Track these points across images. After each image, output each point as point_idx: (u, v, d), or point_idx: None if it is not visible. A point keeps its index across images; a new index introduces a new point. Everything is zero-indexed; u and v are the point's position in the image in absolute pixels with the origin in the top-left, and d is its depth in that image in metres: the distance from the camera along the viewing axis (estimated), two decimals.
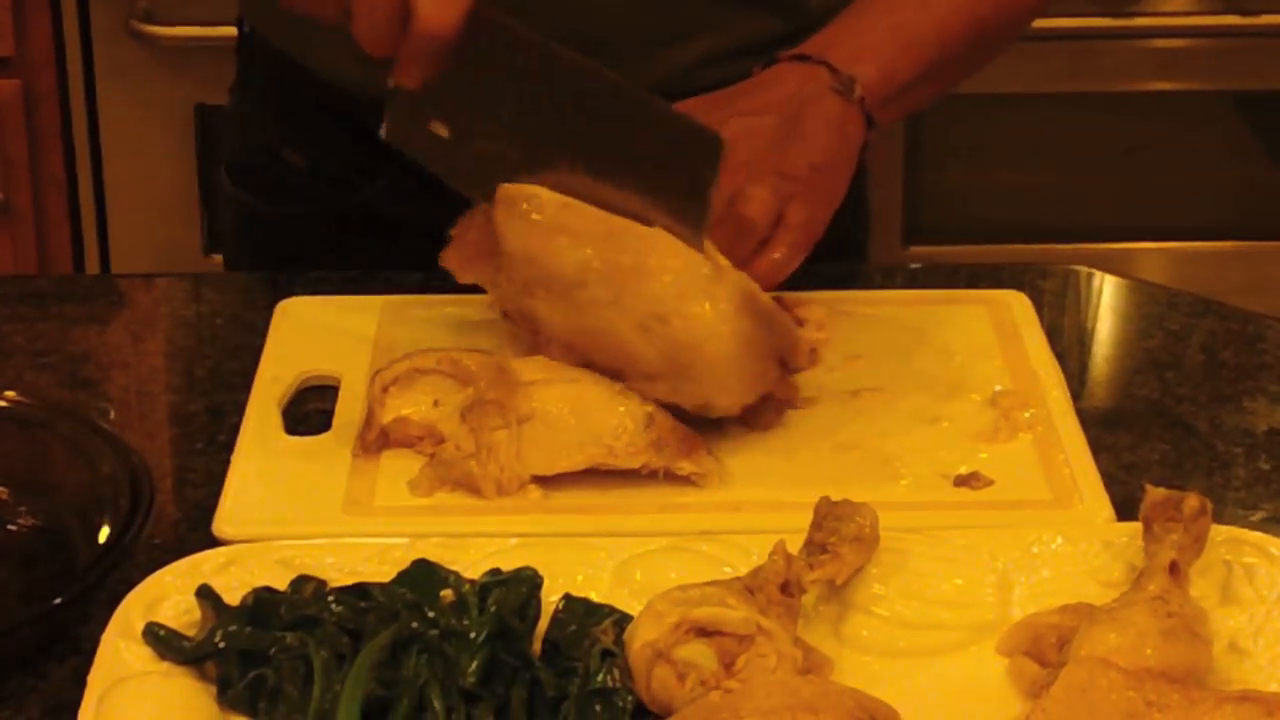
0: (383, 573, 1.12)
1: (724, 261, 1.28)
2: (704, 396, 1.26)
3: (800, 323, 1.35)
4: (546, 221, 1.28)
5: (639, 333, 1.26)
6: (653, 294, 1.26)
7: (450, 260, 1.35)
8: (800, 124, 1.36)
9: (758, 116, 1.36)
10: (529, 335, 1.32)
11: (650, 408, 1.25)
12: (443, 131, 1.32)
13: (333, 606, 1.08)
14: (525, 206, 1.29)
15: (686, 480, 1.25)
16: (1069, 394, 1.34)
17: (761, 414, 1.30)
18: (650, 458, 1.24)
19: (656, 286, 1.26)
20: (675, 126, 1.30)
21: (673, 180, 1.28)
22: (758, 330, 1.27)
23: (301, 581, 1.11)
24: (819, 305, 1.37)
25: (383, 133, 1.32)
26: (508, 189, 1.30)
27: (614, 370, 1.27)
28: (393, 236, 1.58)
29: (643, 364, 1.26)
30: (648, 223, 1.28)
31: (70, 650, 1.12)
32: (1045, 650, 1.08)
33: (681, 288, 1.25)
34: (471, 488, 1.24)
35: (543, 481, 1.24)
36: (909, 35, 1.44)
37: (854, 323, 1.41)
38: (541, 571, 1.10)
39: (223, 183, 1.70)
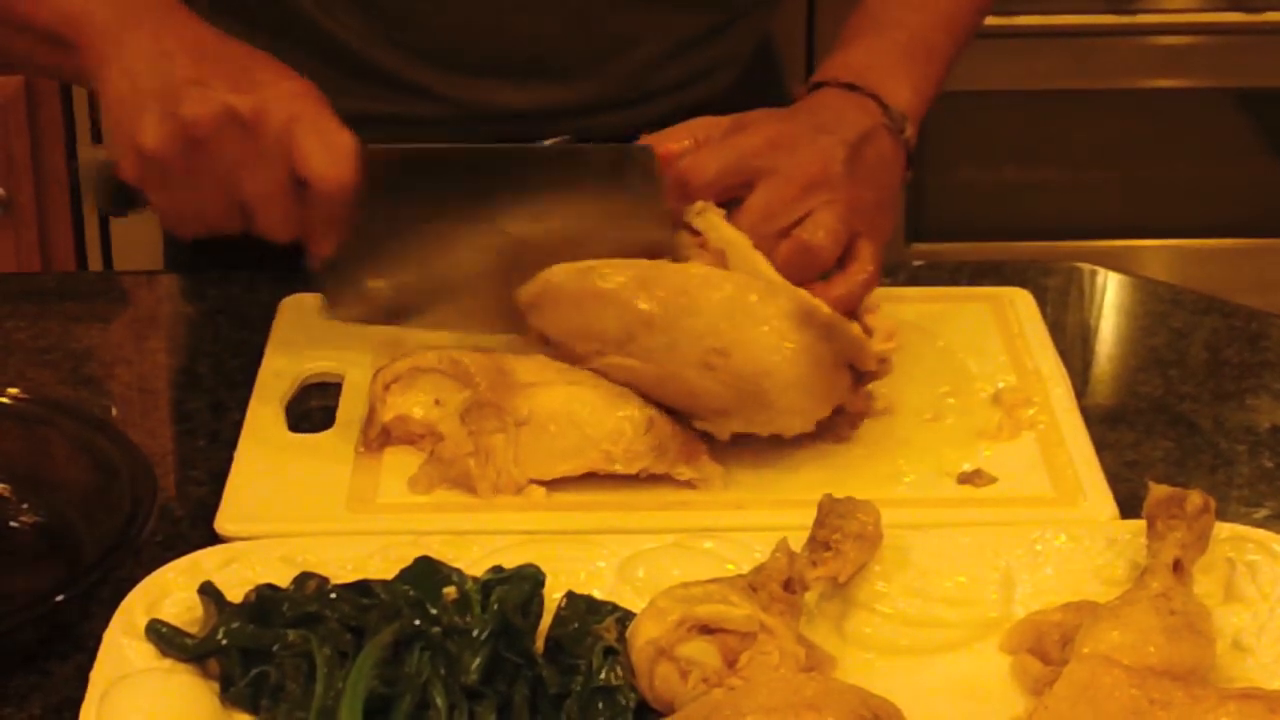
0: (385, 570, 1.11)
1: (773, 275, 1.25)
2: (779, 422, 1.24)
3: (868, 331, 1.29)
4: (572, 294, 1.25)
5: (702, 371, 1.22)
6: (705, 329, 1.22)
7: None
8: (863, 157, 1.32)
9: (830, 135, 1.32)
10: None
11: (651, 411, 1.24)
12: (381, 285, 1.32)
13: (335, 604, 1.08)
14: (545, 295, 1.26)
15: (688, 484, 1.25)
16: (1072, 391, 1.34)
17: (835, 427, 1.28)
18: (650, 463, 1.23)
19: (706, 321, 1.22)
20: (601, 156, 1.28)
21: (622, 208, 1.27)
22: (819, 342, 1.23)
23: (304, 578, 1.11)
24: (887, 314, 1.31)
25: (328, 315, 1.34)
26: (520, 295, 1.28)
27: (686, 411, 1.25)
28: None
29: (714, 401, 1.23)
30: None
31: (73, 647, 1.12)
32: (1048, 648, 1.08)
33: (733, 316, 1.22)
34: (469, 487, 1.24)
35: (545, 480, 1.24)
36: (927, 44, 1.42)
37: None
38: (544, 569, 1.10)
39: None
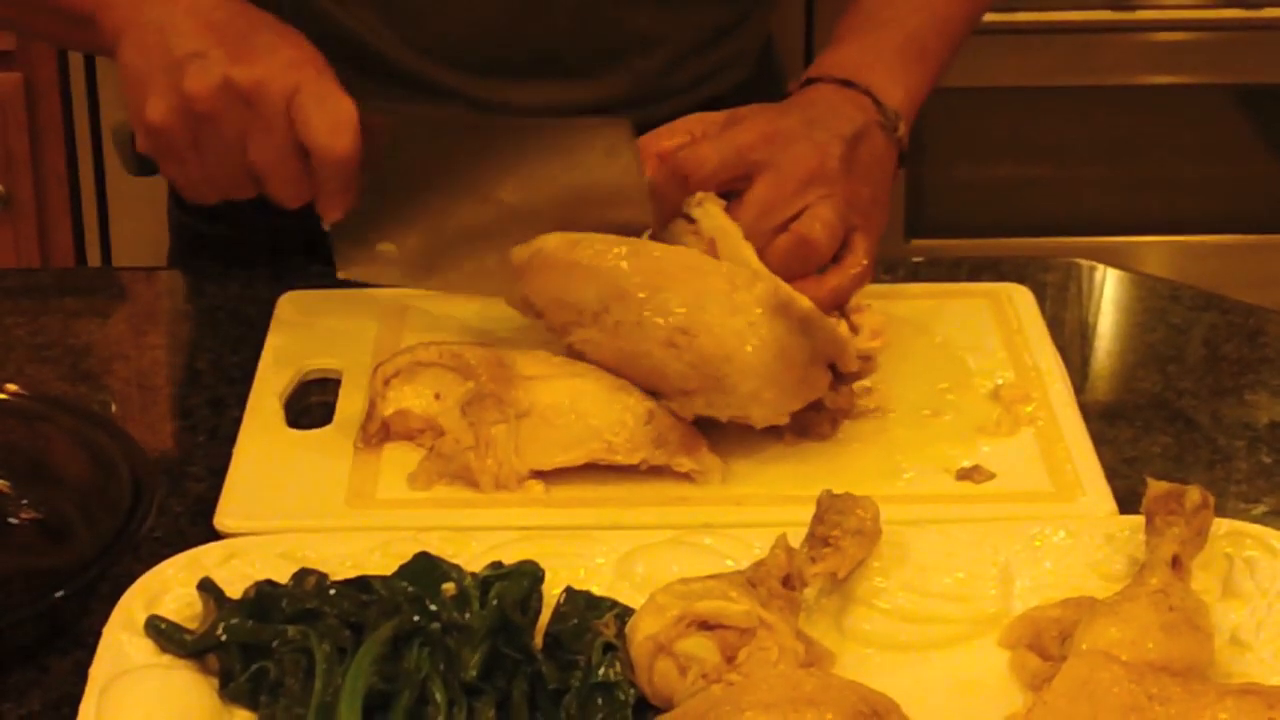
0: (384, 566, 1.11)
1: (758, 265, 1.25)
2: (740, 408, 1.24)
3: (855, 329, 1.30)
4: (560, 263, 1.26)
5: (667, 349, 1.23)
6: (675, 308, 1.23)
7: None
8: (858, 153, 1.33)
9: (825, 130, 1.32)
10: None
11: (651, 404, 1.25)
12: (390, 248, 1.35)
13: (335, 600, 1.08)
14: (535, 260, 1.27)
15: (687, 477, 1.25)
16: (1071, 387, 1.34)
17: (814, 424, 1.28)
18: (650, 454, 1.24)
19: (677, 300, 1.23)
20: (576, 129, 1.30)
21: (599, 180, 1.29)
22: (792, 336, 1.23)
23: (303, 575, 1.11)
24: (876, 312, 1.32)
25: (338, 274, 1.36)
26: (514, 255, 1.28)
27: (652, 389, 1.25)
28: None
29: (676, 380, 1.24)
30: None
31: (72, 643, 1.12)
32: (1047, 643, 1.08)
33: (704, 298, 1.23)
34: (469, 481, 1.24)
35: (544, 475, 1.24)
36: (921, 45, 1.42)
37: None
38: (543, 565, 1.10)
39: (169, 207, 1.69)
